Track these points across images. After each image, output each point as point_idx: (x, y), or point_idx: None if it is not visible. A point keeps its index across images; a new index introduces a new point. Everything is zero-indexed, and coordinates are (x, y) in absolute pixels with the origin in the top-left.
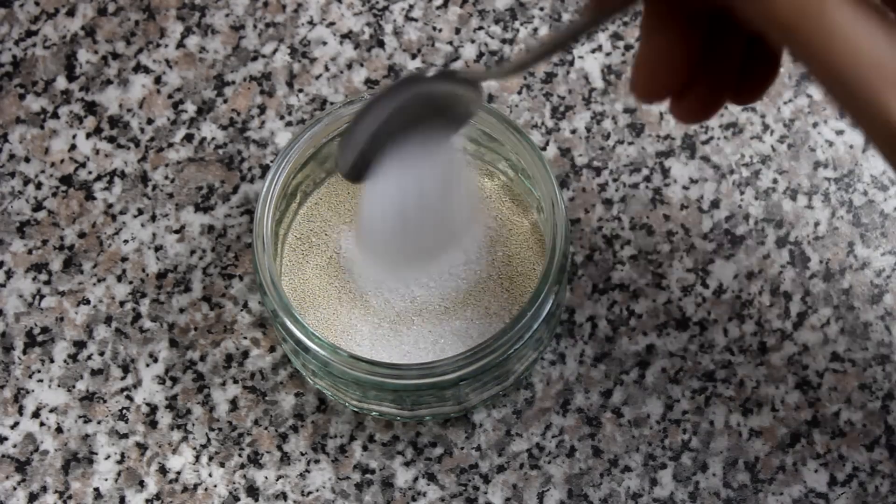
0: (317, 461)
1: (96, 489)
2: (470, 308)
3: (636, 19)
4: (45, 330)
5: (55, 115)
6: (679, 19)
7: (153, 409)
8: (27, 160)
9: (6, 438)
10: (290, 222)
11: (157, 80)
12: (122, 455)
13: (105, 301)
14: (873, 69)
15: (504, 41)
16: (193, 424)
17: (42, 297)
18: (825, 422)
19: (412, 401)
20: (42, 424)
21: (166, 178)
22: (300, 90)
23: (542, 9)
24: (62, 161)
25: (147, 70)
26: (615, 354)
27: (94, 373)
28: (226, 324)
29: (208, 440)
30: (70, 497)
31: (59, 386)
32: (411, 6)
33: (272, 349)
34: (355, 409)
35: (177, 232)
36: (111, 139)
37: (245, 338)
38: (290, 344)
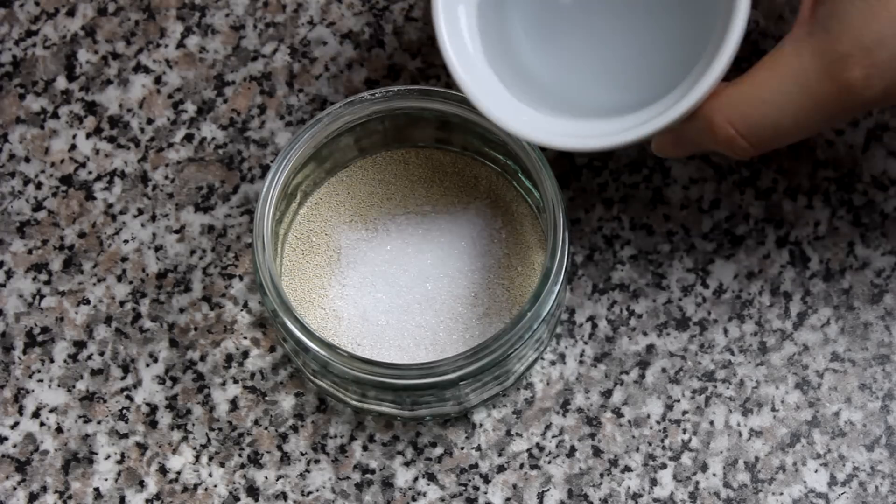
0: (317, 461)
1: (96, 489)
2: (470, 308)
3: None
4: (45, 330)
5: (55, 115)
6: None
7: (153, 409)
8: (27, 160)
9: (6, 438)
10: (291, 222)
11: (157, 80)
12: (122, 455)
13: (105, 301)
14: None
15: None
16: (193, 424)
17: (42, 297)
18: (825, 422)
19: (412, 401)
20: (42, 424)
21: (166, 178)
22: (300, 90)
23: None
24: (62, 161)
25: (147, 70)
26: (615, 354)
27: (94, 373)
28: (226, 324)
29: (208, 440)
30: (70, 497)
31: (59, 386)
32: (411, 6)
33: (272, 349)
34: (356, 410)
35: (177, 232)
36: (111, 139)
37: (245, 338)
38: (290, 344)
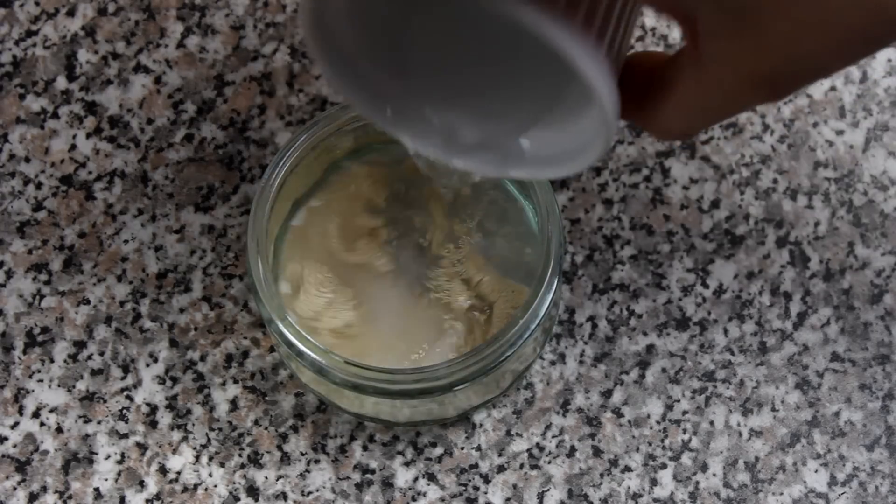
0: (317, 461)
1: (96, 489)
2: (465, 314)
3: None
4: (45, 330)
5: (55, 115)
6: None
7: (153, 409)
8: (27, 160)
9: (6, 438)
10: (285, 224)
11: (157, 80)
12: (122, 455)
13: (105, 301)
14: None
15: None
16: (193, 424)
17: (42, 297)
18: (825, 422)
19: (409, 407)
20: (42, 424)
21: (166, 178)
22: (300, 90)
23: None
24: (62, 161)
25: (147, 70)
26: (615, 354)
27: (94, 373)
28: (226, 324)
29: (208, 440)
30: (70, 497)
31: (59, 386)
32: None
33: (272, 349)
34: (352, 415)
35: (177, 232)
36: (111, 139)
37: (245, 338)
38: (283, 348)
